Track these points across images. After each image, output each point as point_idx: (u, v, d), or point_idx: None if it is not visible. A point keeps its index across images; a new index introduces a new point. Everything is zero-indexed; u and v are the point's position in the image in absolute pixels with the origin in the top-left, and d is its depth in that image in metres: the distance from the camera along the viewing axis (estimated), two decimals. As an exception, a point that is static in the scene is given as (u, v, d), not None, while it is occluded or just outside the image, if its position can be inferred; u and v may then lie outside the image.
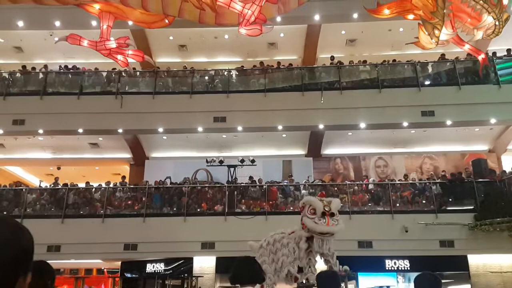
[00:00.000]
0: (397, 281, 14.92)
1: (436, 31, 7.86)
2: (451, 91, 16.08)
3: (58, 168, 20.15)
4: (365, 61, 18.21)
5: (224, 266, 14.37)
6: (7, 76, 17.76)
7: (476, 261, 14.39)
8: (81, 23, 15.86)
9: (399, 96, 16.19)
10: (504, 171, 16.31)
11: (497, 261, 14.29)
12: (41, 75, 17.86)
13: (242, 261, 3.47)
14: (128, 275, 15.67)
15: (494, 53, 16.91)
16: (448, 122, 15.98)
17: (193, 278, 14.39)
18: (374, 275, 14.68)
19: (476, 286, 13.98)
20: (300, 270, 7.31)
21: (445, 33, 8.07)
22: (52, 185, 17.20)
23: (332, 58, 18.45)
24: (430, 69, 17.31)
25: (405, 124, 16.19)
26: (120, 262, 15.84)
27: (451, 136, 17.80)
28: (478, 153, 18.46)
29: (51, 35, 17.92)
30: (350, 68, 17.76)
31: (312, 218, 6.43)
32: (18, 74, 18.09)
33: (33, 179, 21.17)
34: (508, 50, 17.05)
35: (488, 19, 7.89)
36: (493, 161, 18.14)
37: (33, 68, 18.34)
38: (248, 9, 7.59)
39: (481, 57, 9.36)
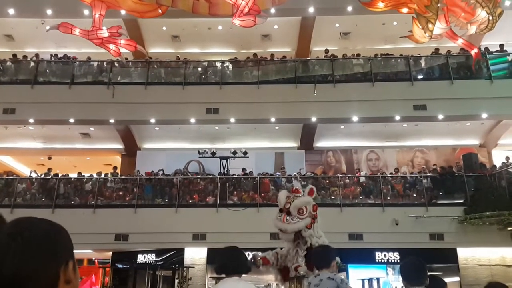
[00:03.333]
0: (387, 273, 15.05)
1: (430, 25, 7.86)
2: (444, 85, 16.15)
3: (49, 158, 20.00)
4: (358, 55, 18.22)
5: (215, 258, 14.38)
6: (-3, 65, 17.57)
7: (465, 254, 14.55)
8: (73, 12, 15.66)
9: (392, 90, 16.24)
10: (495, 166, 16.48)
11: (486, 255, 14.46)
12: (32, 64, 17.66)
13: (227, 251, 3.45)
14: (119, 265, 15.65)
15: (486, 48, 16.98)
16: (440, 116, 16.06)
17: (184, 269, 14.40)
18: (364, 267, 14.79)
19: (464, 278, 14.15)
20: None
21: (438, 27, 8.08)
22: (43, 175, 17.09)
23: (327, 51, 18.44)
24: (423, 63, 17.37)
25: (397, 118, 16.25)
26: (111, 253, 15.82)
27: (443, 130, 17.90)
28: (469, 147, 18.60)
29: (42, 23, 17.67)
30: (343, 61, 17.77)
31: (278, 213, 6.49)
32: (8, 63, 17.87)
33: (23, 169, 21.01)
34: (501, 45, 17.14)
35: (482, 14, 7.91)
36: (484, 156, 18.29)
37: (24, 57, 18.13)
38: (242, 0, 7.54)
39: (474, 51, 9.40)
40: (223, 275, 3.30)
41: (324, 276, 4.14)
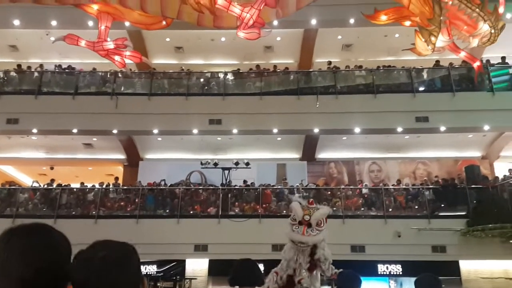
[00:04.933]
0: (389, 286, 14.97)
1: (433, 38, 7.92)
2: (446, 97, 16.19)
3: (51, 168, 20.04)
4: (360, 66, 18.30)
5: (217, 269, 14.34)
6: (1, 75, 17.67)
7: (468, 266, 14.48)
8: (78, 23, 15.79)
9: (394, 101, 16.28)
10: (497, 178, 16.44)
11: (489, 267, 14.39)
12: (36, 74, 17.78)
13: (242, 263, 3.47)
14: (120, 276, 15.57)
15: (488, 61, 17.04)
16: (442, 128, 16.08)
17: (186, 281, 14.35)
18: (366, 279, 14.66)
19: (467, 291, 14.07)
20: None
21: (441, 40, 8.14)
22: (46, 185, 17.11)
23: (330, 63, 18.52)
24: (425, 75, 17.43)
25: (400, 129, 16.27)
26: (112, 263, 15.75)
27: (445, 142, 17.92)
28: (471, 159, 18.59)
29: (47, 34, 17.83)
30: (345, 73, 17.84)
31: (293, 225, 6.33)
32: (13, 73, 17.98)
33: (25, 179, 21.02)
34: (503, 58, 17.19)
35: (484, 27, 7.97)
36: (486, 168, 18.27)
37: (29, 67, 18.25)
38: (247, 13, 7.61)
39: (476, 64, 9.44)
40: (236, 287, 3.31)
41: None
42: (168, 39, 19.36)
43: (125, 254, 1.48)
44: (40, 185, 17.53)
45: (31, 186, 18.06)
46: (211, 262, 14.77)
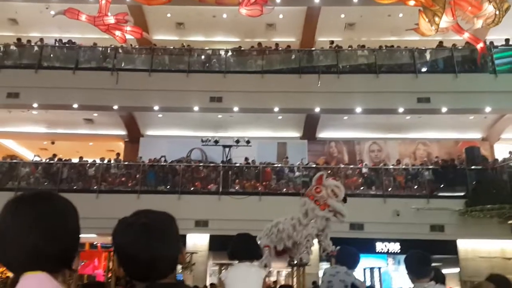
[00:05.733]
0: (387, 263, 15.20)
1: (437, 18, 7.87)
2: (448, 78, 16.12)
3: (52, 143, 20.08)
4: (363, 46, 18.16)
5: (217, 244, 14.53)
6: (1, 48, 17.54)
7: (465, 246, 14.66)
8: (78, -3, 15.62)
9: (396, 82, 16.22)
10: (497, 159, 16.52)
11: (486, 247, 14.57)
12: (36, 49, 17.66)
13: (241, 238, 3.56)
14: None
15: (491, 43, 16.90)
16: (444, 109, 16.06)
17: (187, 255, 14.55)
18: (365, 256, 14.91)
19: (464, 270, 14.28)
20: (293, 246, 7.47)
21: (445, 20, 8.09)
22: (48, 160, 17.20)
23: (332, 42, 18.38)
24: (427, 56, 17.31)
25: (401, 110, 16.25)
26: (113, 237, 15.92)
27: (446, 123, 17.91)
28: (472, 141, 18.62)
29: (47, 8, 17.65)
30: (348, 52, 17.73)
31: (337, 201, 7.05)
32: (12, 47, 17.86)
33: (26, 153, 21.10)
34: (507, 40, 17.05)
35: (489, 8, 7.91)
36: (486, 149, 18.31)
37: (28, 41, 18.11)
38: (250, -11, 7.54)
39: (480, 46, 9.40)
40: (235, 261, 3.40)
41: (341, 269, 4.28)
42: (169, 15, 19.17)
43: (165, 222, 1.54)
44: (41, 159, 17.61)
45: (33, 160, 18.13)
46: (212, 237, 14.96)
